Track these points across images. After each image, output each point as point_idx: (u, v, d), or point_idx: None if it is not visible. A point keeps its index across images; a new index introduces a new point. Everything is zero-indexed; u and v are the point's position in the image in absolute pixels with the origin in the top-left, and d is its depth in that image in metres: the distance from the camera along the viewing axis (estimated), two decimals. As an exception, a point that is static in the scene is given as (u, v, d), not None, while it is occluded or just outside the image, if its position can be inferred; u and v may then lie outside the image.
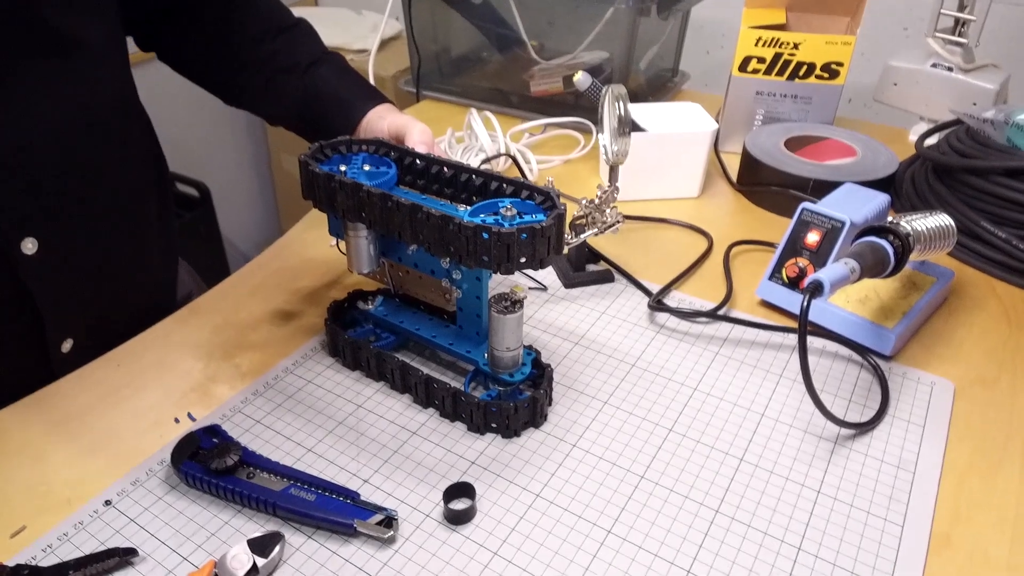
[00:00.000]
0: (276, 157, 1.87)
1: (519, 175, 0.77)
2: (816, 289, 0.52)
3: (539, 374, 0.57)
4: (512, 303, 0.53)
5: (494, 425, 0.54)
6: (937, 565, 0.46)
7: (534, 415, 0.55)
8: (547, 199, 0.51)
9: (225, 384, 0.59)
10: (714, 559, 0.46)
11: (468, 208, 0.51)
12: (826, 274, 0.52)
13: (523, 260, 0.48)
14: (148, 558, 0.46)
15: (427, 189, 0.57)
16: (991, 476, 0.53)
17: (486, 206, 0.51)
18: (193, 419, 0.56)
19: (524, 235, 0.47)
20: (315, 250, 0.77)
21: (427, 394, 0.57)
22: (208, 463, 0.49)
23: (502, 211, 0.49)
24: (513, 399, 0.54)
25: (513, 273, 0.50)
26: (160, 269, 0.76)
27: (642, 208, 0.84)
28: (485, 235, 0.47)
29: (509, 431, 0.54)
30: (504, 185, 0.53)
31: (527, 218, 0.49)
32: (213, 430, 0.52)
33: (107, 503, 0.49)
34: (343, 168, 0.56)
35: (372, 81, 0.95)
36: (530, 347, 0.58)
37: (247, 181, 1.83)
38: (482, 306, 0.56)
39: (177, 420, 0.56)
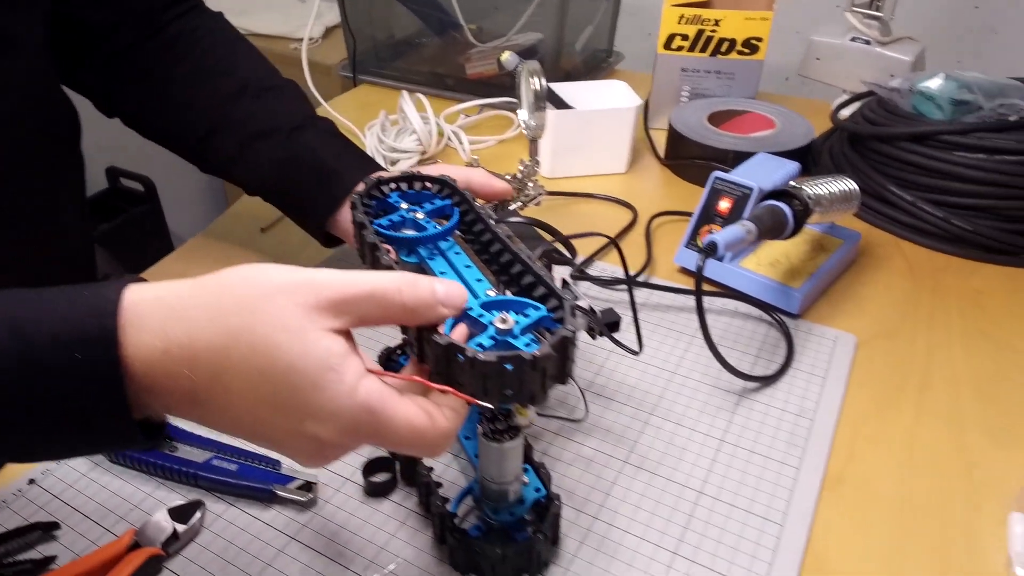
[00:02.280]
0: (224, 150, 1.85)
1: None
2: (711, 249, 0.55)
3: (543, 508, 0.45)
4: (507, 429, 0.40)
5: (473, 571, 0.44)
6: (830, 501, 0.50)
7: (529, 563, 0.44)
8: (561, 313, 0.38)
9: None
10: (619, 504, 0.49)
11: (489, 296, 0.40)
12: (721, 235, 0.55)
13: (509, 393, 0.36)
14: (70, 531, 0.47)
15: (474, 247, 0.48)
16: (885, 418, 0.56)
17: (508, 304, 0.40)
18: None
19: (509, 365, 0.35)
20: (252, 236, 0.78)
21: (426, 504, 0.48)
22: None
23: (496, 321, 0.37)
24: (501, 543, 0.43)
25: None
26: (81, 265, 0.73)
27: (571, 184, 0.86)
28: (460, 356, 0.36)
29: None
30: (538, 286, 0.41)
31: (520, 341, 0.37)
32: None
33: (31, 482, 0.50)
34: (404, 205, 0.48)
35: (309, 72, 0.95)
36: (541, 468, 0.47)
37: (193, 174, 1.81)
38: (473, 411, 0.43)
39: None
